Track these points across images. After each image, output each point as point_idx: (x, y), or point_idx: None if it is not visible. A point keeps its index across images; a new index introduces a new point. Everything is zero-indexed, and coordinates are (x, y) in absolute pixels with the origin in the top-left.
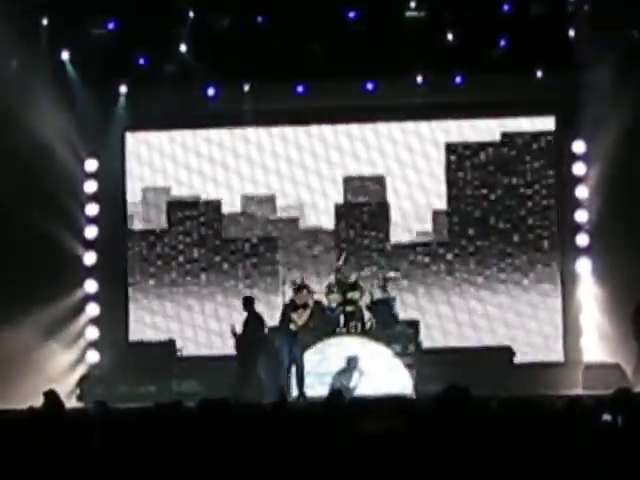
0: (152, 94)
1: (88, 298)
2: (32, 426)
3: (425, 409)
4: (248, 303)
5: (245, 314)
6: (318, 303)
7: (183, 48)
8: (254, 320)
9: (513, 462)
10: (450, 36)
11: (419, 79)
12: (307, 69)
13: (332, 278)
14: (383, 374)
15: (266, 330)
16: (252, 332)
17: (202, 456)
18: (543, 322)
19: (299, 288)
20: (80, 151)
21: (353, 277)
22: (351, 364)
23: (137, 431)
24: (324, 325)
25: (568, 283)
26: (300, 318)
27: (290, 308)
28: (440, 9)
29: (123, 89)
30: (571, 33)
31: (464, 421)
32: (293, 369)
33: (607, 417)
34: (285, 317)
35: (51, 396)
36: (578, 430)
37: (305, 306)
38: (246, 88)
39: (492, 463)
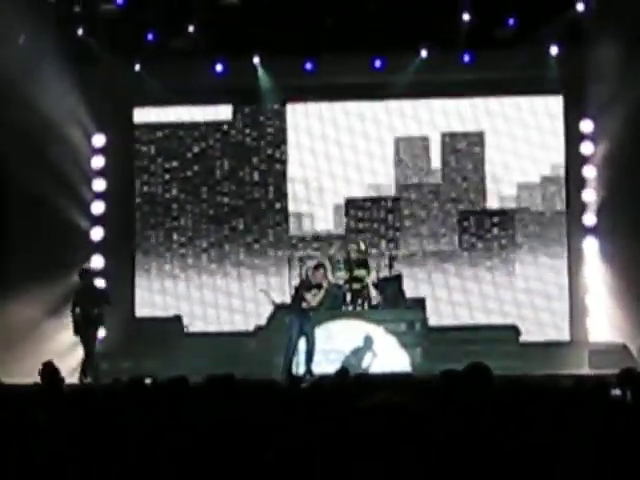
0: (160, 70)
1: (95, 274)
2: (32, 397)
3: (430, 386)
4: (86, 276)
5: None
6: (331, 283)
7: (191, 24)
8: (93, 294)
9: (523, 438)
10: (460, 13)
11: (428, 56)
12: (315, 44)
13: (339, 256)
14: (384, 353)
15: (108, 304)
16: (90, 308)
17: (206, 432)
18: (549, 301)
19: (316, 267)
20: (88, 126)
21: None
22: (366, 344)
23: (140, 406)
24: (329, 302)
25: (575, 263)
26: (314, 298)
27: (304, 287)
28: None
29: (137, 67)
30: (579, 8)
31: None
32: (303, 346)
33: (616, 392)
34: (298, 295)
35: (48, 367)
36: (588, 405)
37: (319, 286)
38: (256, 60)
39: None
